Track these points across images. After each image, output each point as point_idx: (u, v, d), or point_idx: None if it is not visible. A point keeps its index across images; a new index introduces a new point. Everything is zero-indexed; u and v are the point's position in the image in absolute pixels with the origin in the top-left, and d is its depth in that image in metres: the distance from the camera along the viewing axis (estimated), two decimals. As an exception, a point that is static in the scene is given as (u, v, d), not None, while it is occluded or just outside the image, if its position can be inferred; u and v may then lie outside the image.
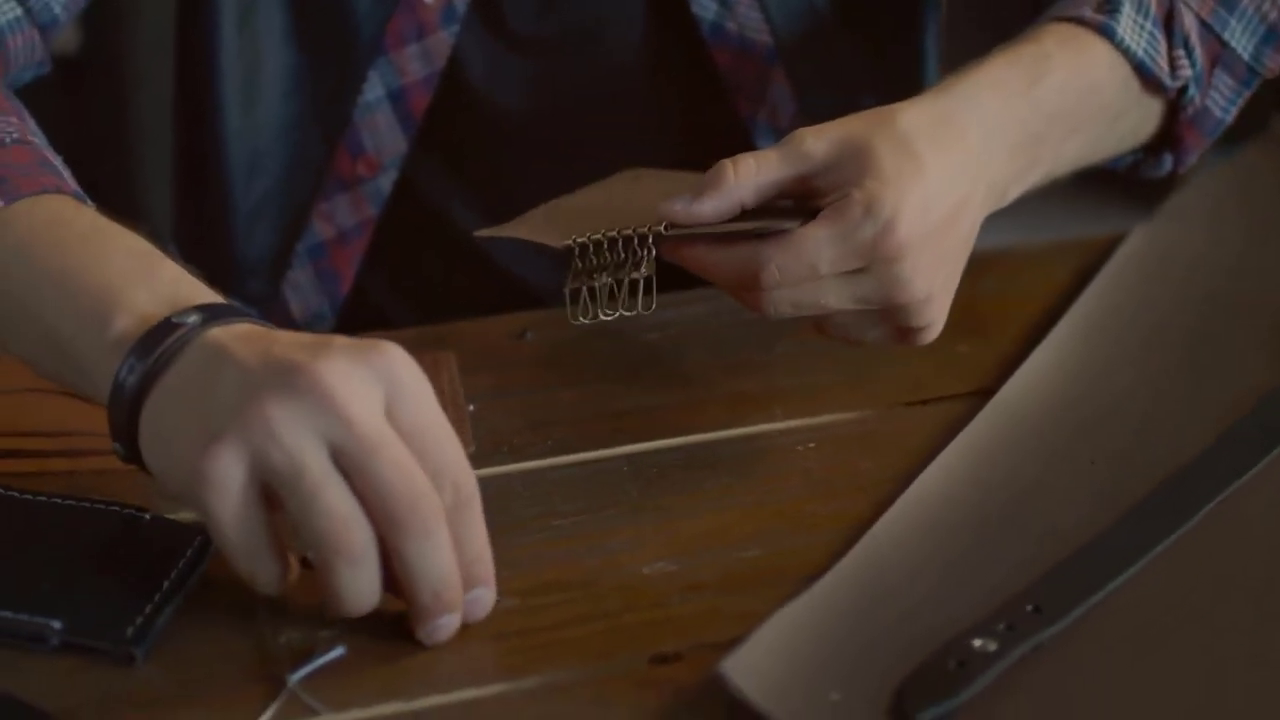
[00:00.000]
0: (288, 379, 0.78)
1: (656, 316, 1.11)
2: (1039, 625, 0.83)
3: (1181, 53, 1.11)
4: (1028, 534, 0.91)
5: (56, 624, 0.82)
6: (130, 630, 0.83)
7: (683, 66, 1.25)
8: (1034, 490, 0.95)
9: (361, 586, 0.80)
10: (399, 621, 0.84)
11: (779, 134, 1.24)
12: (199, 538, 0.89)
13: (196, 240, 1.32)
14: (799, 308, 0.94)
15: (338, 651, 0.82)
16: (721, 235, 0.93)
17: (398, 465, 0.79)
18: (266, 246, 1.27)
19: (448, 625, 0.82)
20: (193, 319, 0.84)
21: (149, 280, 0.87)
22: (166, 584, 0.86)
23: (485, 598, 0.84)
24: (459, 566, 0.81)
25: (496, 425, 1.01)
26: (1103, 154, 1.13)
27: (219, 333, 0.83)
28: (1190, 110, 1.13)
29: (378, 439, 0.78)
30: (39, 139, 0.99)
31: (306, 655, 0.82)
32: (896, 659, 0.81)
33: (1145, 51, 1.08)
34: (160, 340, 0.83)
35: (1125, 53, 1.07)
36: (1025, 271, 1.20)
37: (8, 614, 0.83)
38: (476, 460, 0.96)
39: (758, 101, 1.25)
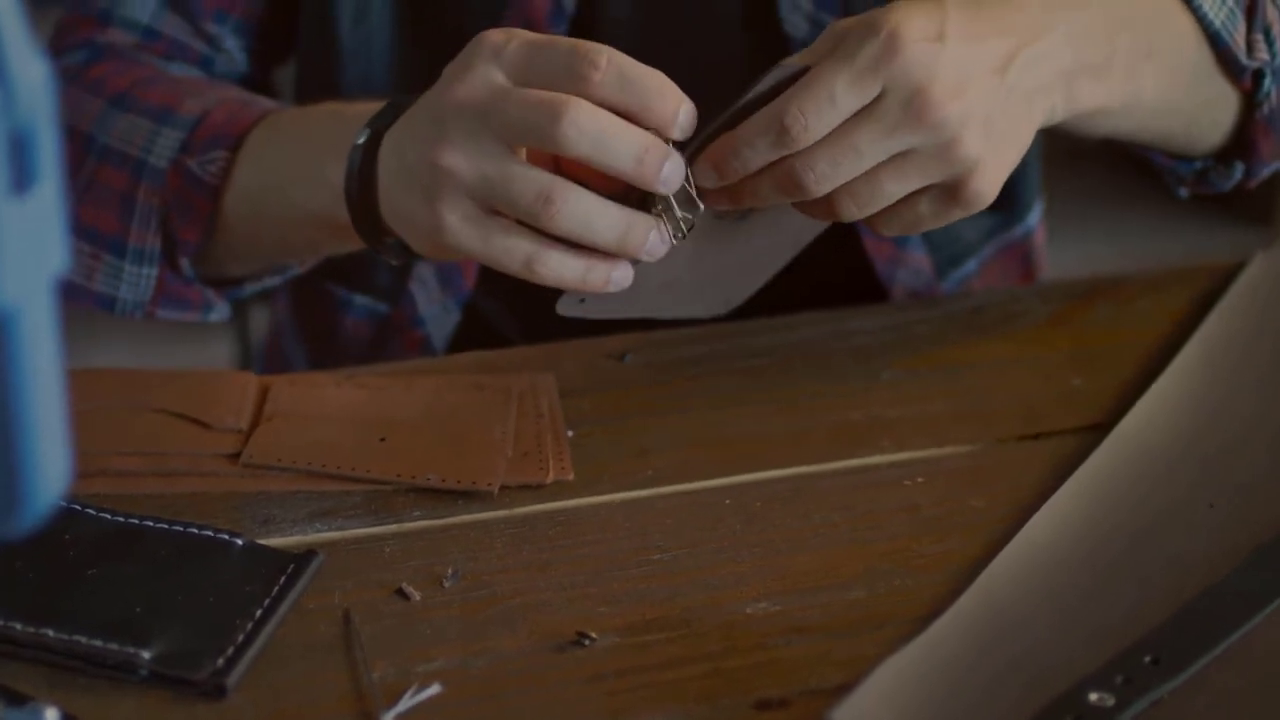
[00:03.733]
0: (433, 120, 0.91)
1: (761, 341, 1.10)
2: (1158, 679, 0.80)
3: (1260, 38, 1.09)
4: (1146, 578, 0.88)
5: (146, 654, 0.81)
6: (221, 661, 0.81)
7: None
8: (1152, 532, 0.92)
9: (586, 211, 0.89)
10: (498, 658, 0.82)
11: None
12: (292, 564, 0.87)
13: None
14: (836, 164, 0.90)
15: (433, 689, 0.80)
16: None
17: (521, 103, 0.88)
18: None
19: (673, 168, 0.89)
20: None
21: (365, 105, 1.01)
22: (259, 612, 0.84)
23: (686, 118, 0.90)
24: (638, 115, 0.89)
25: (596, 452, 0.99)
26: (1183, 118, 1.11)
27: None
28: (1266, 109, 1.11)
29: (491, 103, 0.89)
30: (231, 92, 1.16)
31: (401, 692, 0.80)
32: (1010, 709, 0.79)
33: (1223, 23, 1.07)
34: (383, 113, 0.98)
35: (1201, 19, 1.06)
36: (1141, 300, 1.17)
37: (97, 643, 0.81)
38: (575, 489, 0.95)
39: None
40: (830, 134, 0.90)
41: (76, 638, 0.81)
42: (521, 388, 1.03)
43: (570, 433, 1.00)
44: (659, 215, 0.91)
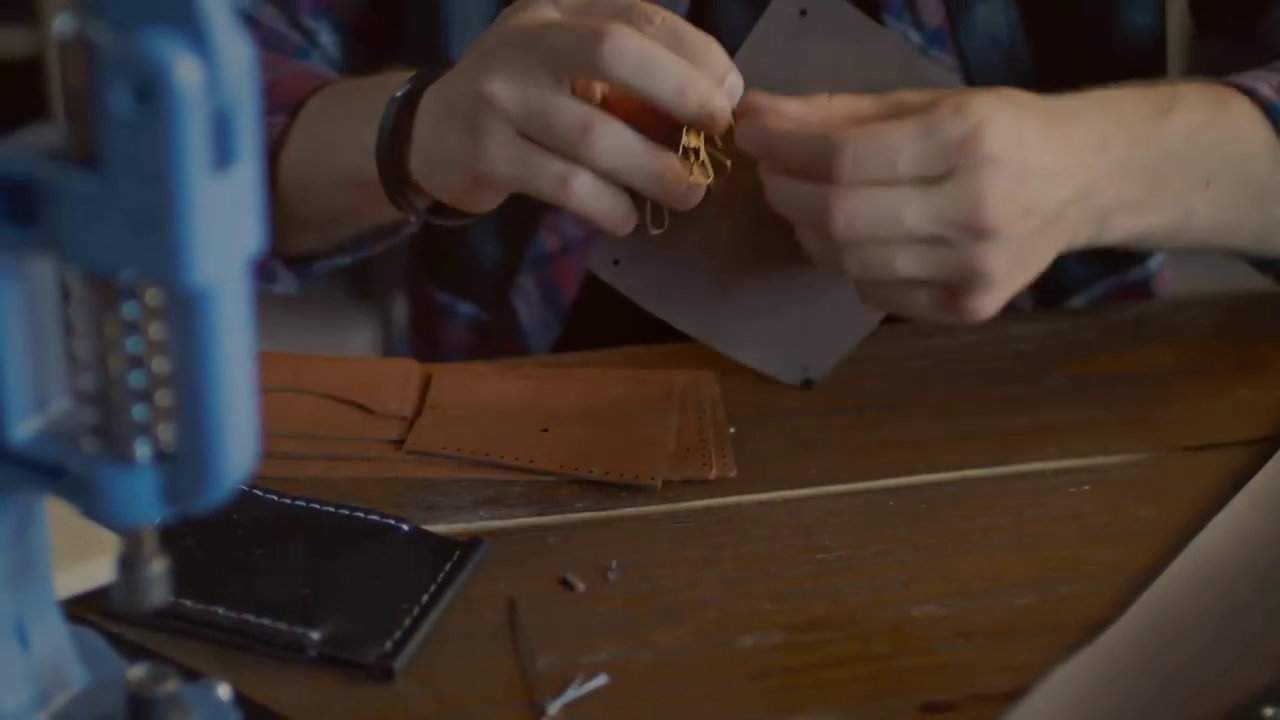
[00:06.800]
0: (481, 53, 0.93)
1: (921, 344, 1.09)
2: (1334, 696, 0.79)
3: None
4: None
5: (315, 635, 0.81)
6: (389, 644, 0.81)
7: None
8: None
9: (624, 144, 0.90)
10: (662, 652, 0.82)
11: None
12: (458, 551, 0.87)
13: (429, 244, 1.32)
14: (875, 222, 0.87)
15: (599, 680, 0.80)
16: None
17: (567, 28, 0.90)
18: (494, 253, 1.26)
19: (721, 110, 0.90)
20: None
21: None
22: (426, 598, 0.84)
23: (735, 82, 0.92)
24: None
25: (758, 450, 0.98)
26: (1250, 234, 1.04)
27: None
28: None
29: (539, 31, 0.91)
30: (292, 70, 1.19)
31: (566, 682, 0.80)
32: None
33: None
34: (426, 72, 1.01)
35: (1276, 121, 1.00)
36: (1307, 312, 1.15)
37: (266, 621, 0.82)
38: (737, 485, 0.95)
39: None
40: (883, 190, 0.87)
41: (245, 616, 0.82)
42: (683, 383, 1.03)
43: (732, 429, 1.00)
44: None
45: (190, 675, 0.76)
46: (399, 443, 0.98)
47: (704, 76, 0.90)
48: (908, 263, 0.89)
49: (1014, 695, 0.79)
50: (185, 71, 0.55)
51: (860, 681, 0.81)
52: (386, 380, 1.02)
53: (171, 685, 0.68)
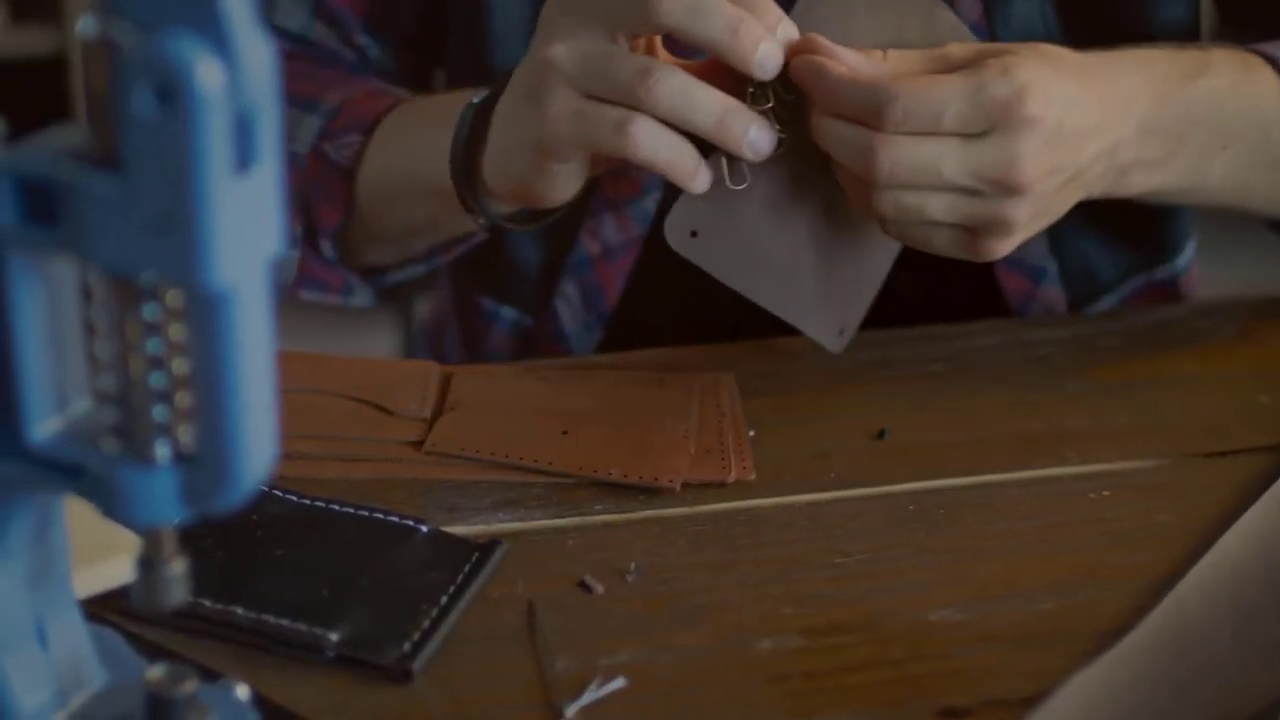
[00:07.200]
0: (541, 28, 0.95)
1: (941, 347, 1.08)
2: (1354, 702, 0.79)
3: None
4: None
5: (334, 635, 0.81)
6: (408, 646, 0.81)
7: None
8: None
9: (684, 86, 0.90)
10: (681, 654, 0.82)
11: None
12: (477, 553, 0.87)
13: (472, 250, 1.32)
14: (915, 170, 0.92)
15: (618, 682, 0.80)
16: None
17: None
18: (536, 259, 1.26)
19: (769, 53, 0.91)
20: None
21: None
22: (444, 599, 0.84)
23: (789, 31, 0.93)
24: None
25: (778, 453, 0.98)
26: (1265, 196, 1.09)
27: None
28: None
29: None
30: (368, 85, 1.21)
31: (584, 684, 0.80)
32: (1198, 727, 0.78)
33: None
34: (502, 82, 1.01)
35: None
36: (1329, 318, 1.15)
37: (285, 622, 0.82)
38: (757, 489, 0.95)
39: None
40: (927, 140, 0.91)
41: (264, 616, 0.82)
42: (703, 385, 1.03)
43: (751, 432, 1.00)
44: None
45: (209, 675, 0.76)
46: (418, 444, 0.98)
47: (756, 21, 0.91)
48: (939, 209, 0.94)
49: (1032, 701, 0.79)
50: (207, 73, 0.55)
51: (879, 686, 0.81)
52: (406, 381, 1.02)
53: (190, 685, 0.68)
